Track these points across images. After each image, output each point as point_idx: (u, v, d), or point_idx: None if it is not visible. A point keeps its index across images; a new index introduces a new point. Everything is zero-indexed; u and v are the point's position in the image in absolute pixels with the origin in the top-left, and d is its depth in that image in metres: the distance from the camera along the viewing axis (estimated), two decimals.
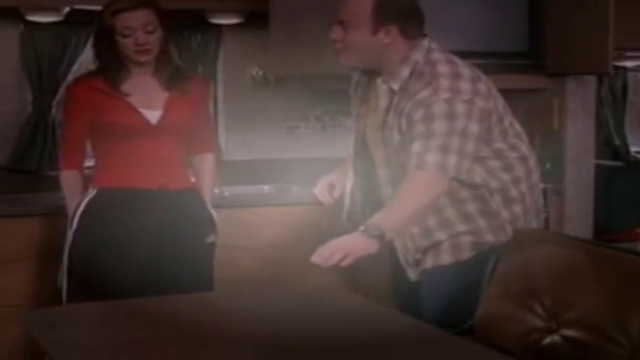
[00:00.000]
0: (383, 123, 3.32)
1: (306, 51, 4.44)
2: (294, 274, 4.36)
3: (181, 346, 2.47)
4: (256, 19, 4.90)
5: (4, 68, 4.92)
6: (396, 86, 3.29)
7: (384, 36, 3.26)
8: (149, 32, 3.62)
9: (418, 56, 3.29)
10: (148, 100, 3.68)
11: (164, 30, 3.69)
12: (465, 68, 3.30)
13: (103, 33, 3.64)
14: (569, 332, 2.84)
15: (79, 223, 3.66)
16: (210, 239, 3.82)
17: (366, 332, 2.68)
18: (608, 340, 2.68)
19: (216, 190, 4.90)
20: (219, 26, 5.07)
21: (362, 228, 3.11)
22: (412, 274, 3.49)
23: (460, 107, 3.18)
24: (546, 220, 4.91)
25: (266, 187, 5.09)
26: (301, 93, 4.59)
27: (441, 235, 3.39)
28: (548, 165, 5.05)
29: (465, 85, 3.23)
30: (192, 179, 3.89)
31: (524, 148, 3.46)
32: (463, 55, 4.82)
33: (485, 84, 3.31)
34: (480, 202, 3.37)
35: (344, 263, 3.01)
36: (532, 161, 3.49)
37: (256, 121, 5.30)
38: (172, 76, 3.72)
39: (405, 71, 3.28)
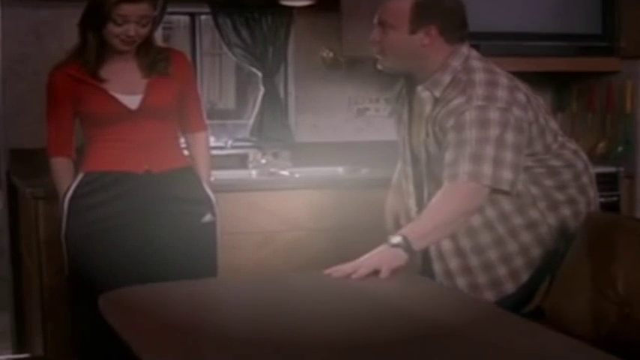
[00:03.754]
0: (425, 132, 3.22)
1: None
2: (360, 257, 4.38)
3: (251, 328, 2.49)
4: (327, 1, 4.90)
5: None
6: (438, 93, 3.16)
7: (423, 36, 3.14)
8: (142, 25, 3.56)
9: (456, 63, 3.17)
10: (127, 85, 3.63)
11: (154, 22, 3.66)
12: (503, 77, 3.16)
13: (95, 15, 3.54)
14: None
15: (68, 208, 3.63)
16: (206, 219, 3.76)
17: (437, 314, 2.66)
18: None
19: (285, 172, 4.95)
20: (291, 8, 5.08)
21: (390, 238, 2.97)
22: None
23: (494, 115, 3.04)
24: (617, 203, 4.87)
25: (340, 169, 5.10)
26: (371, 75, 4.57)
27: (500, 267, 3.27)
28: (619, 148, 5.01)
29: (501, 93, 3.08)
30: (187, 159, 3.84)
31: (570, 154, 3.31)
32: (537, 37, 4.83)
33: (524, 94, 3.16)
34: (523, 214, 3.25)
35: (382, 276, 2.86)
36: (580, 165, 3.35)
37: (326, 104, 5.31)
38: (154, 61, 3.66)
39: (445, 78, 3.15)
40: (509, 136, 3.03)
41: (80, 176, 3.67)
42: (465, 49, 3.21)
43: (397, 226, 3.52)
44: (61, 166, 3.74)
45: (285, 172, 4.99)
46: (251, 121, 5.23)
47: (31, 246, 4.34)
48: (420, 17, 3.14)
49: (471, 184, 3.01)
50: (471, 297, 3.00)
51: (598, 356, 2.27)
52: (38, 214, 4.18)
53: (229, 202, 4.13)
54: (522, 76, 5.29)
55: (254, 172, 5.05)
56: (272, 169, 5.03)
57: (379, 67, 3.28)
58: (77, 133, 3.76)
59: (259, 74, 5.15)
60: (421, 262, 3.39)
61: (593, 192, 3.39)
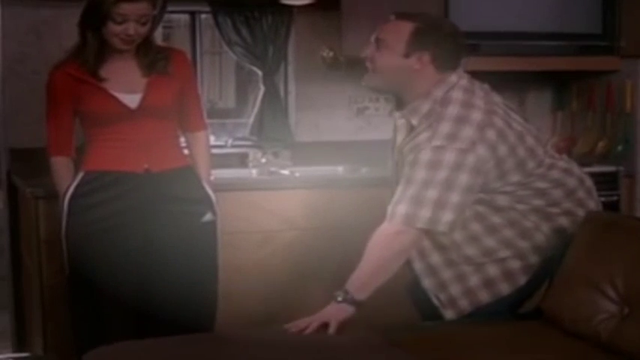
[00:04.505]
0: (396, 160, 3.26)
1: None
2: (360, 257, 4.38)
3: None
4: (328, 0, 4.90)
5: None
6: (415, 121, 3.17)
7: (415, 61, 3.14)
8: (142, 24, 3.55)
9: (439, 93, 3.15)
10: (127, 84, 3.63)
11: (153, 21, 3.66)
12: (477, 112, 3.10)
13: (95, 14, 3.53)
14: None
15: (68, 207, 3.63)
16: (206, 218, 3.75)
17: None
18: None
19: (286, 171, 4.94)
20: (291, 7, 5.07)
21: (335, 294, 3.07)
22: (450, 314, 3.32)
23: (450, 156, 3.02)
24: (617, 202, 4.88)
25: (340, 168, 5.10)
26: None
27: (490, 267, 3.27)
28: (619, 148, 5.01)
29: (467, 132, 3.04)
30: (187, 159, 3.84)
31: (559, 174, 3.27)
32: (537, 36, 4.83)
33: (497, 130, 3.09)
34: (514, 226, 3.24)
35: (330, 331, 2.99)
36: (571, 183, 3.30)
37: (326, 103, 5.30)
38: (153, 60, 3.66)
39: (424, 107, 3.15)
40: (461, 177, 3.03)
41: (80, 175, 3.66)
42: (454, 77, 3.19)
43: None
44: (61, 166, 3.73)
45: (285, 172, 4.99)
46: (251, 120, 5.23)
47: (31, 245, 4.34)
48: (418, 42, 3.15)
49: (403, 227, 3.06)
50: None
51: None
52: (38, 214, 4.17)
53: (229, 202, 4.13)
54: (522, 75, 5.32)
55: (254, 172, 5.05)
56: (272, 169, 5.03)
57: (363, 83, 3.29)
58: (77, 133, 3.76)
59: (259, 73, 5.15)
60: (411, 278, 3.40)
61: (593, 203, 3.36)
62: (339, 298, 3.04)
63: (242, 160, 5.15)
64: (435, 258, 3.28)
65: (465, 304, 3.28)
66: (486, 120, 3.09)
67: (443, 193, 3.01)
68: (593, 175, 4.75)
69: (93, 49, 3.59)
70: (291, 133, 5.22)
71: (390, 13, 3.28)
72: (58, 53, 3.77)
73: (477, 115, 3.09)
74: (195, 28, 5.21)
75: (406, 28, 3.16)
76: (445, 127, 3.05)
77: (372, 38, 3.24)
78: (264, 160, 5.10)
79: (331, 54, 5.16)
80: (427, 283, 3.32)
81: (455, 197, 3.02)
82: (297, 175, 4.91)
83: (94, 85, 3.61)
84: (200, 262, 3.72)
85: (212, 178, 3.90)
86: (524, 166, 3.17)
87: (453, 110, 3.09)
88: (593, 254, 3.07)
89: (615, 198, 4.88)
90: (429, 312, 3.36)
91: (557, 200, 3.27)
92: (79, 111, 3.67)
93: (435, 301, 3.32)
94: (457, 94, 3.14)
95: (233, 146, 5.18)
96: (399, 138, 3.24)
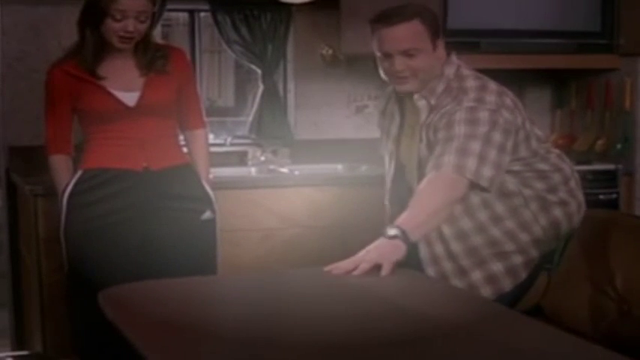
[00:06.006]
0: (419, 138, 3.27)
1: None
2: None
3: (250, 325, 2.49)
4: None
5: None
6: (433, 101, 3.25)
7: (440, 50, 3.27)
8: (141, 21, 3.55)
9: (450, 71, 3.28)
10: (125, 83, 3.63)
11: (152, 19, 3.64)
12: (492, 83, 3.26)
13: (93, 11, 3.54)
14: None
15: (67, 205, 3.63)
16: (205, 216, 3.76)
17: (440, 312, 2.66)
18: None
19: (285, 170, 4.94)
20: (290, 5, 5.07)
21: (387, 230, 2.96)
22: None
23: (484, 114, 3.12)
24: (616, 200, 4.88)
25: (339, 166, 5.10)
26: (371, 72, 4.55)
27: (493, 263, 3.30)
28: (618, 146, 5.01)
29: (490, 97, 3.17)
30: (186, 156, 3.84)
31: (555, 158, 3.36)
32: (536, 34, 4.83)
33: (511, 99, 3.24)
34: (516, 216, 3.28)
35: (384, 273, 2.82)
36: (567, 169, 3.39)
37: (325, 101, 5.31)
38: (152, 59, 3.66)
39: (440, 87, 3.26)
40: (497, 136, 3.11)
41: (79, 173, 3.66)
42: (454, 57, 3.32)
43: None
44: (59, 164, 3.73)
45: (284, 170, 4.99)
46: (250, 119, 5.23)
47: (30, 243, 4.34)
48: (434, 33, 3.25)
49: (454, 176, 3.06)
50: (471, 294, 3.00)
51: (599, 353, 2.27)
52: (37, 211, 4.18)
53: (228, 200, 4.13)
54: (521, 73, 5.31)
55: (253, 170, 5.05)
56: (271, 167, 5.03)
57: (406, 90, 3.29)
58: (76, 131, 3.76)
59: (258, 71, 5.15)
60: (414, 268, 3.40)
61: (581, 196, 3.42)
62: (392, 233, 2.91)
63: (241, 159, 5.15)
64: (439, 248, 3.30)
65: None
66: (500, 89, 3.24)
67: (484, 147, 3.07)
68: (592, 173, 4.81)
69: (91, 47, 3.59)
70: (291, 132, 5.22)
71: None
72: (57, 51, 3.78)
73: (492, 85, 3.24)
74: (195, 27, 5.21)
75: (417, 26, 3.22)
76: (471, 94, 3.18)
77: (389, 52, 3.23)
78: (263, 159, 5.10)
79: (330, 52, 5.17)
80: (431, 271, 3.32)
81: (493, 154, 3.08)
82: (296, 173, 4.91)
83: (93, 83, 3.61)
84: (199, 260, 3.72)
85: (211, 176, 3.90)
86: (530, 142, 3.26)
87: (472, 83, 3.23)
88: (593, 252, 3.07)
89: (614, 196, 4.88)
90: None
91: (556, 186, 3.32)
92: (78, 109, 3.67)
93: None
94: (466, 71, 3.29)
95: (232, 144, 5.18)
96: (423, 116, 3.26)
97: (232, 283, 3.08)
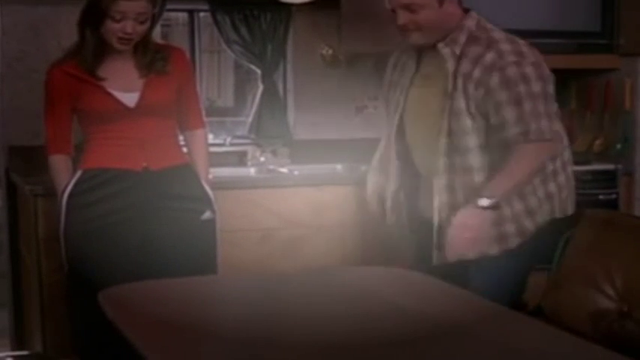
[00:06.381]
0: (453, 87, 3.34)
1: (377, 30, 4.43)
2: (360, 254, 4.38)
3: (250, 325, 2.49)
4: None
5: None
6: (457, 50, 3.35)
7: (448, 5, 3.36)
8: (140, 22, 3.54)
9: (471, 23, 3.39)
10: (125, 83, 3.63)
11: (152, 20, 3.64)
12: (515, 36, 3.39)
13: (93, 12, 3.51)
14: None
15: (67, 205, 3.62)
16: (205, 217, 3.75)
17: (442, 312, 2.66)
18: None
19: (284, 170, 4.94)
20: (289, 5, 5.07)
21: (477, 200, 3.19)
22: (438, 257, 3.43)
23: (529, 70, 3.27)
24: (616, 201, 4.88)
25: (339, 167, 5.09)
26: (370, 73, 4.58)
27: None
28: (618, 146, 5.01)
29: (523, 49, 3.32)
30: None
31: (558, 125, 3.46)
32: (536, 34, 4.81)
33: (537, 50, 3.40)
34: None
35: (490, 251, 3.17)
36: (565, 139, 3.53)
37: (325, 101, 5.30)
38: (152, 60, 3.65)
39: (462, 37, 3.36)
40: (549, 88, 3.33)
41: (78, 174, 3.66)
42: (474, 13, 3.44)
43: (381, 206, 3.76)
44: (59, 164, 3.72)
45: (283, 170, 4.98)
46: (250, 119, 5.22)
47: (30, 243, 4.34)
48: None
49: (538, 144, 3.26)
50: (472, 294, 3.01)
51: (599, 353, 2.27)
52: (37, 212, 4.17)
53: (228, 200, 4.13)
54: None
55: (253, 170, 5.04)
56: (271, 167, 5.03)
57: (413, 42, 3.44)
58: (76, 131, 3.76)
59: (258, 71, 5.15)
60: (415, 250, 3.47)
61: (570, 169, 3.53)
62: (487, 203, 3.20)
63: (241, 159, 5.15)
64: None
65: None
66: (525, 41, 3.39)
67: (547, 105, 3.30)
68: (591, 173, 4.81)
69: (91, 48, 3.59)
70: (290, 132, 5.22)
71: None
72: (57, 51, 3.78)
73: (517, 38, 3.38)
74: (194, 27, 5.21)
75: None
76: (506, 46, 3.30)
77: (393, 6, 3.38)
78: (262, 159, 5.10)
79: (330, 52, 5.16)
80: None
81: (551, 106, 3.33)
82: (295, 173, 4.90)
83: (93, 83, 3.60)
84: (199, 260, 3.71)
85: (210, 176, 3.90)
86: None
87: (498, 34, 3.36)
88: (592, 252, 3.08)
89: (614, 196, 4.88)
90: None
91: (560, 151, 3.45)
92: (78, 109, 3.66)
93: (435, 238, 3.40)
94: (488, 25, 3.43)
95: (232, 144, 5.18)
96: (450, 64, 3.35)
97: (232, 284, 3.09)
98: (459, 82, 3.31)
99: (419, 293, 2.85)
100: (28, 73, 4.68)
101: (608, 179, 4.87)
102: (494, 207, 3.19)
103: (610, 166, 4.92)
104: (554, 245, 3.31)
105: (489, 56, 3.27)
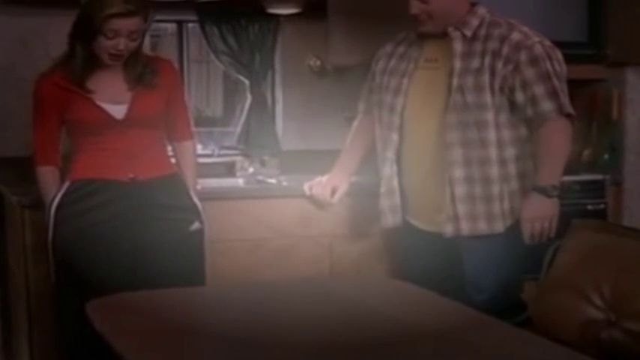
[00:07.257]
0: (463, 67, 3.49)
1: (365, 41, 4.44)
2: (348, 264, 4.38)
3: (239, 334, 2.49)
4: (314, 8, 4.90)
5: None
6: (469, 33, 3.54)
7: None
8: (132, 39, 3.55)
9: (483, 11, 3.61)
10: (113, 96, 3.63)
11: (143, 36, 3.66)
12: None
13: (86, 27, 3.53)
14: (628, 324, 2.83)
15: (55, 216, 3.62)
16: (193, 227, 3.76)
17: (426, 322, 2.66)
18: None
19: (273, 180, 4.94)
20: (277, 16, 5.07)
21: (542, 191, 3.40)
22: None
23: (552, 51, 3.54)
24: (604, 211, 4.88)
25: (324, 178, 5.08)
26: (359, 83, 4.57)
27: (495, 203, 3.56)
28: (606, 156, 5.02)
29: (539, 34, 3.57)
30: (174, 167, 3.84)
31: None
32: None
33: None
34: (517, 163, 3.57)
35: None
36: None
37: (313, 111, 5.29)
38: (141, 74, 3.66)
39: (475, 21, 3.57)
40: (564, 69, 3.58)
41: (66, 185, 3.66)
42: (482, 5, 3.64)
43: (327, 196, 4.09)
44: (47, 175, 3.72)
45: (272, 180, 4.98)
46: (238, 129, 5.22)
47: (17, 253, 4.33)
48: None
49: (569, 118, 3.54)
50: (451, 301, 3.01)
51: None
52: (24, 222, 4.15)
53: (217, 210, 4.12)
54: None
55: (241, 180, 5.04)
56: (259, 177, 5.02)
57: (423, 30, 3.62)
58: (63, 141, 3.75)
59: (246, 82, 5.15)
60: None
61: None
62: (555, 193, 3.44)
63: (229, 169, 5.14)
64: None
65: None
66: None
67: (561, 84, 3.52)
68: (579, 183, 4.82)
69: (81, 61, 3.59)
70: (279, 142, 5.22)
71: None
72: (45, 62, 3.76)
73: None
74: (183, 37, 5.21)
75: None
76: (525, 29, 3.55)
77: None
78: (251, 169, 5.09)
79: (318, 62, 5.17)
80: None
81: (565, 86, 3.55)
82: (284, 183, 4.89)
83: (81, 95, 3.60)
84: (187, 271, 3.70)
85: (199, 187, 3.90)
86: None
87: (513, 21, 3.59)
88: (581, 262, 3.08)
89: (602, 206, 4.88)
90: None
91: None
92: (66, 120, 3.66)
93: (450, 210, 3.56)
94: (498, 13, 3.62)
95: (220, 155, 5.17)
96: (458, 47, 3.53)
97: (220, 294, 3.08)
98: (487, 59, 3.49)
99: (407, 302, 2.86)
100: (16, 83, 4.66)
101: (596, 189, 4.88)
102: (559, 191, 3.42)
103: (598, 177, 4.93)
104: (542, 255, 3.32)
105: (516, 35, 3.50)
